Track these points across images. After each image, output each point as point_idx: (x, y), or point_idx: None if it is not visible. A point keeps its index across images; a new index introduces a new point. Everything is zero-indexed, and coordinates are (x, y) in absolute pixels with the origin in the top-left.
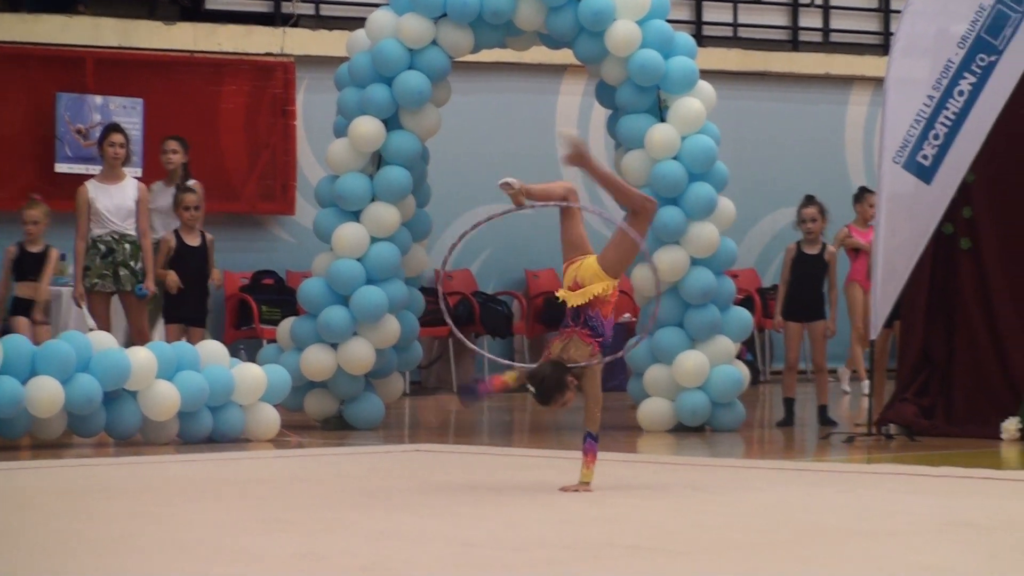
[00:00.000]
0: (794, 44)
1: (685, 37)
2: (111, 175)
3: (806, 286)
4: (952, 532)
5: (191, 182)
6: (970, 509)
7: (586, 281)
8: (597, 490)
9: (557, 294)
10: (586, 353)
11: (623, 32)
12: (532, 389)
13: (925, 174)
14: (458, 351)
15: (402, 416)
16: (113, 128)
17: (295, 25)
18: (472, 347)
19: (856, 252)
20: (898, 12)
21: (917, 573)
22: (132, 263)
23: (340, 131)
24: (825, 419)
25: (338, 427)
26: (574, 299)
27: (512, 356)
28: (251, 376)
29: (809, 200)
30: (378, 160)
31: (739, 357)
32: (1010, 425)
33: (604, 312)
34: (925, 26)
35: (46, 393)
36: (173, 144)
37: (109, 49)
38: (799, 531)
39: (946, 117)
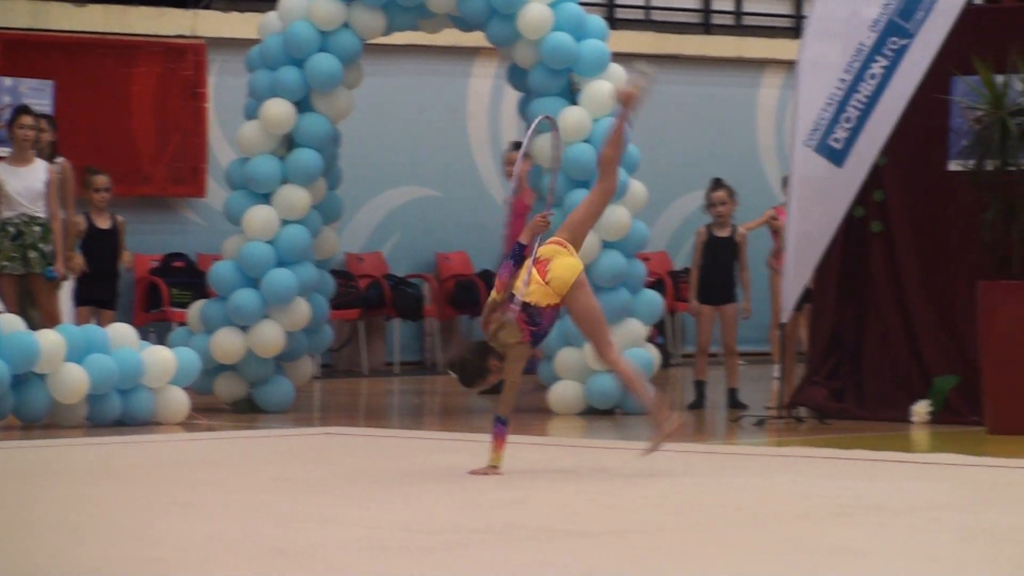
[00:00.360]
0: (706, 27)
1: (597, 20)
2: (21, 157)
3: (717, 269)
4: (862, 515)
5: (59, 159)
6: (880, 492)
7: (554, 276)
8: (508, 473)
9: (516, 293)
10: (516, 340)
11: (535, 15)
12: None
13: (837, 157)
14: (369, 333)
15: (312, 399)
16: (22, 110)
17: (206, 7)
18: None
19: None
20: None
21: (827, 555)
22: (42, 245)
23: (251, 113)
24: (735, 402)
25: (248, 410)
26: (542, 298)
27: (423, 339)
28: (161, 359)
29: (718, 183)
30: (289, 142)
31: (650, 340)
32: (920, 408)
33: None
34: (837, 9)
35: None
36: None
37: (19, 31)
38: (709, 514)
39: (858, 100)
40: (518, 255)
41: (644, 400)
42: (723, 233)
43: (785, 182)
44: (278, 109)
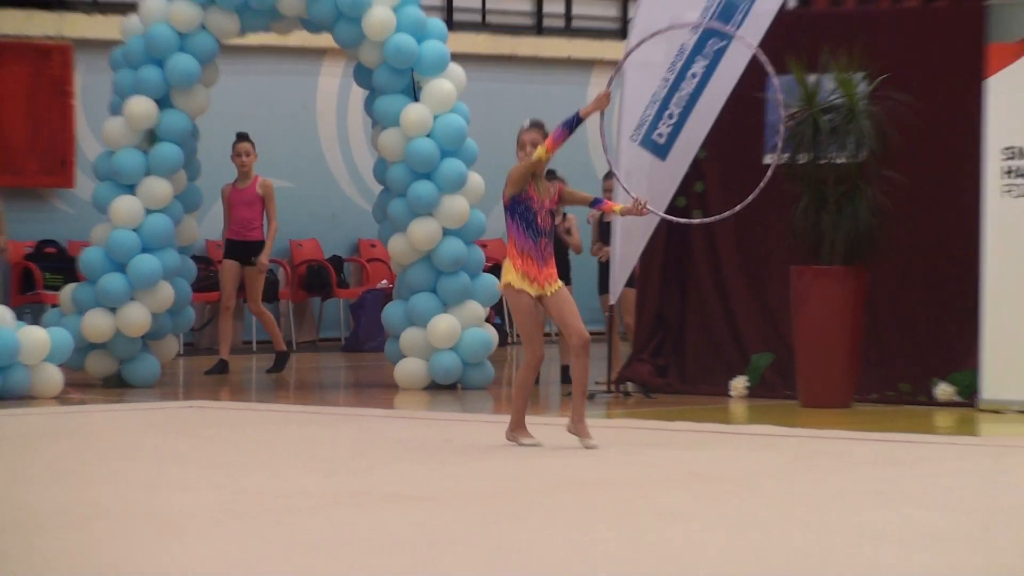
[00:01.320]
0: (539, 29)
1: (437, 22)
2: None
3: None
4: (685, 481)
5: None
6: (701, 460)
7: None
8: (358, 444)
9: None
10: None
11: (379, 18)
12: None
13: (660, 151)
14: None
15: (176, 375)
16: None
17: (72, 10)
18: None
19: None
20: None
21: (654, 519)
22: None
23: (116, 110)
24: (567, 377)
25: (117, 385)
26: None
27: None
28: (35, 338)
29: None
30: (151, 137)
31: (488, 321)
32: (738, 383)
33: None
34: (661, 12)
35: None
36: None
37: None
38: (545, 480)
39: (680, 98)
40: (573, 122)
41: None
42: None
43: (607, 176)
44: (141, 106)
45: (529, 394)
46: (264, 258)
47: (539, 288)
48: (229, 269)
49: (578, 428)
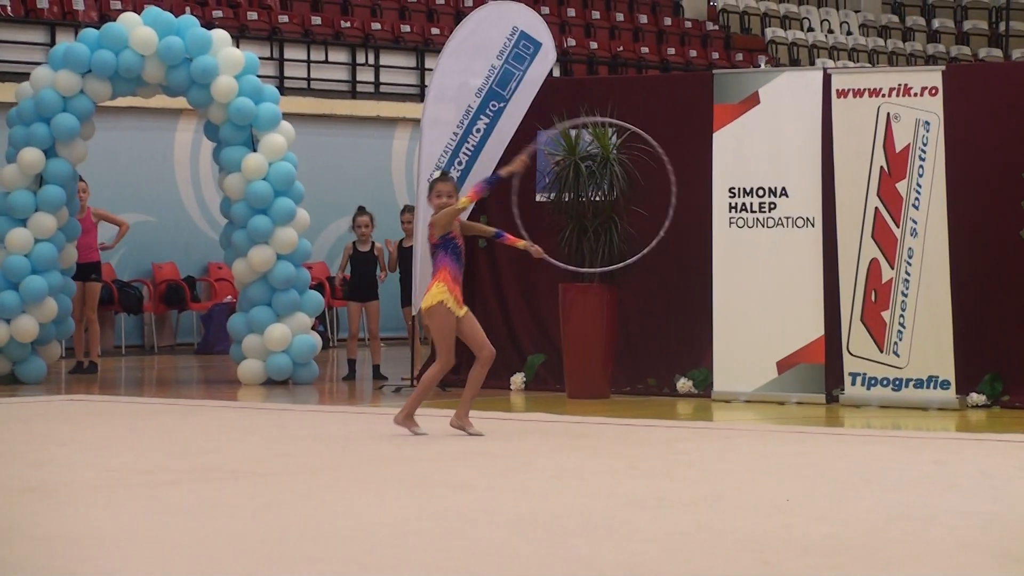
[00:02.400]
0: (353, 93)
1: (271, 88)
2: None
3: (361, 275)
4: (474, 458)
5: None
6: (487, 441)
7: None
8: (208, 430)
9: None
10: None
11: (224, 84)
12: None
13: None
14: (102, 324)
15: (60, 374)
16: None
17: None
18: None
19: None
20: (431, 69)
21: (448, 489)
22: None
23: (11, 158)
24: (378, 375)
25: (11, 382)
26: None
27: (143, 328)
28: None
29: (362, 210)
30: (40, 180)
31: (314, 328)
32: (516, 379)
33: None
34: (451, 79)
35: None
36: None
37: None
38: (359, 458)
39: (467, 149)
40: (493, 181)
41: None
42: (365, 248)
43: (404, 210)
44: (31, 155)
45: (430, 391)
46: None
47: (458, 309)
48: (78, 288)
49: (463, 422)
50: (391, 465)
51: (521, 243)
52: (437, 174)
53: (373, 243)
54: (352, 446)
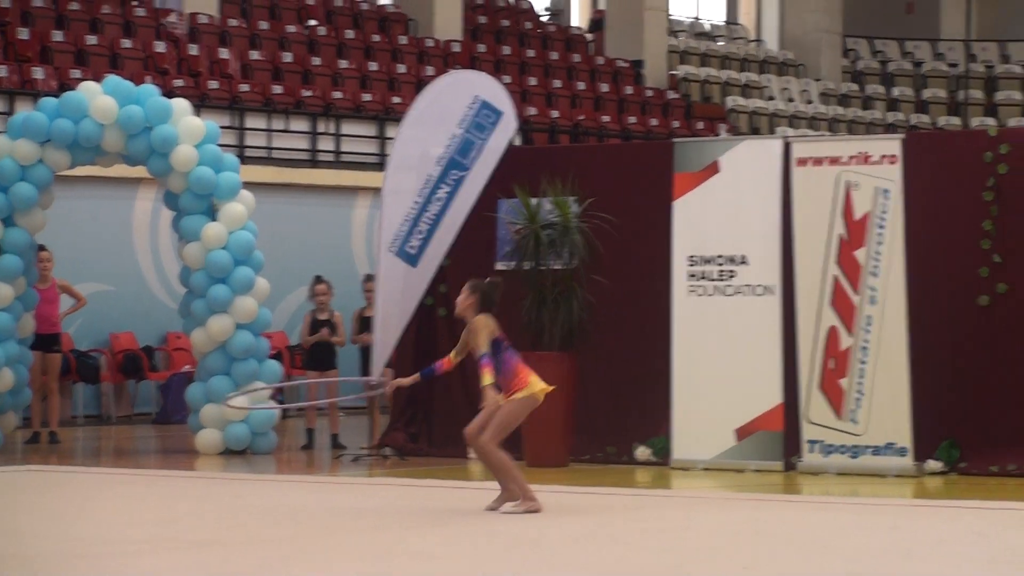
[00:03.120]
0: (313, 163)
1: (231, 157)
2: None
3: (320, 344)
4: (432, 526)
5: None
6: (445, 509)
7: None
8: (165, 500)
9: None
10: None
11: (184, 154)
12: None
13: (412, 260)
14: (60, 394)
15: (16, 443)
16: None
17: None
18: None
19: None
20: (391, 138)
21: (406, 558)
22: None
23: None
24: (337, 444)
25: None
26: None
27: (100, 398)
28: None
29: (319, 279)
30: None
31: (272, 398)
32: None
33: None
34: (412, 148)
35: None
36: None
37: None
38: (321, 527)
39: (428, 217)
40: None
41: (516, 483)
42: (324, 316)
43: (366, 279)
44: None
45: (512, 465)
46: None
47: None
48: (38, 358)
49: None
50: (351, 535)
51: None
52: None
53: (332, 311)
54: (311, 516)
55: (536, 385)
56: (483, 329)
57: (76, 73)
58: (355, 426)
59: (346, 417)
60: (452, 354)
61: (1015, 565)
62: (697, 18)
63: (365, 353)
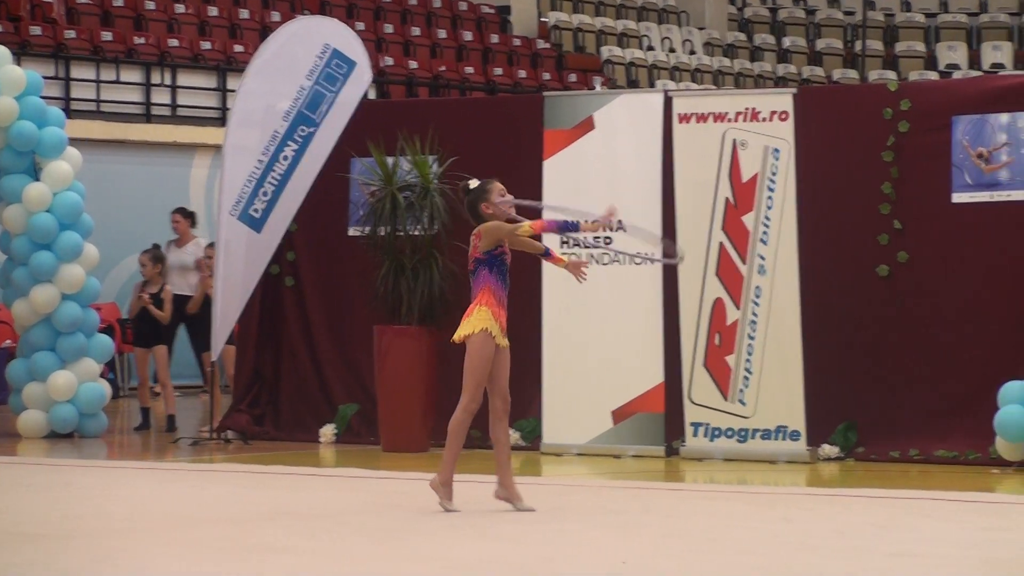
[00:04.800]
0: (148, 117)
1: (56, 110)
2: None
3: (148, 319)
4: (283, 519)
5: None
6: (297, 500)
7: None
8: None
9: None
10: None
11: (3, 107)
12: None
13: (256, 224)
14: None
15: None
16: None
17: None
18: None
19: None
20: (233, 91)
21: (256, 552)
22: None
23: None
24: (172, 426)
25: None
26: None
27: None
28: None
29: (147, 250)
30: None
31: (102, 376)
32: (327, 430)
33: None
34: (256, 102)
35: None
36: None
37: None
38: (155, 519)
39: (273, 177)
40: (567, 227)
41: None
42: (153, 290)
43: (208, 246)
44: None
45: (462, 442)
46: None
47: (502, 339)
48: None
49: (510, 493)
50: (197, 526)
51: (563, 260)
52: (475, 182)
53: (163, 285)
54: (149, 505)
55: (484, 321)
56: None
57: None
58: (195, 407)
59: (183, 397)
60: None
61: (917, 558)
62: None
63: (204, 327)
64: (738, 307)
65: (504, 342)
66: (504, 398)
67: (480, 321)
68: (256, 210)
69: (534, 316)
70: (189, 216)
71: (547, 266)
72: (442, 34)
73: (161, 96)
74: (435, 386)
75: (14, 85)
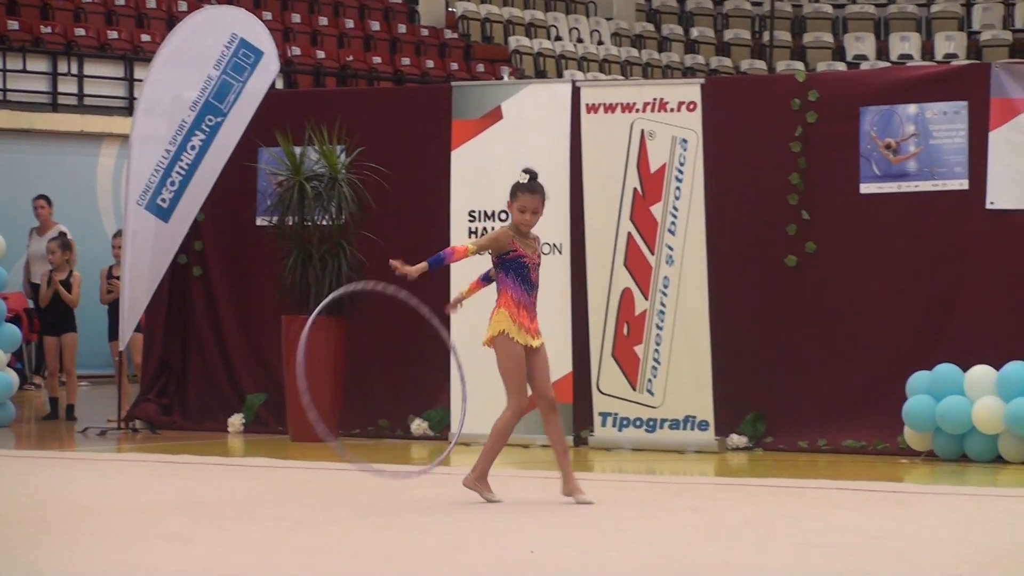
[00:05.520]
0: (54, 106)
1: None
2: None
3: (55, 306)
4: (190, 507)
5: None
6: (203, 489)
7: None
8: None
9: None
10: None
11: None
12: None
13: (164, 214)
14: None
15: None
16: None
17: None
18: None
19: None
20: (140, 80)
21: (162, 542)
22: None
23: None
24: (71, 416)
25: None
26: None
27: None
28: None
29: (54, 238)
30: None
31: (10, 365)
32: (235, 420)
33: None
34: (163, 92)
35: None
36: None
37: None
38: (66, 507)
39: (181, 167)
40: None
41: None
42: (61, 276)
43: (115, 235)
44: None
45: (504, 443)
46: None
47: (529, 338)
48: None
49: (571, 487)
50: (103, 516)
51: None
52: (526, 178)
53: (71, 271)
54: (56, 495)
55: (502, 323)
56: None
57: None
58: (103, 396)
59: (90, 387)
60: (470, 246)
61: (825, 547)
62: None
63: (115, 315)
64: (646, 297)
65: (534, 341)
66: (544, 396)
67: (498, 324)
68: (164, 200)
69: (442, 305)
70: (52, 204)
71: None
72: (350, 24)
73: (68, 85)
74: (343, 376)
75: None
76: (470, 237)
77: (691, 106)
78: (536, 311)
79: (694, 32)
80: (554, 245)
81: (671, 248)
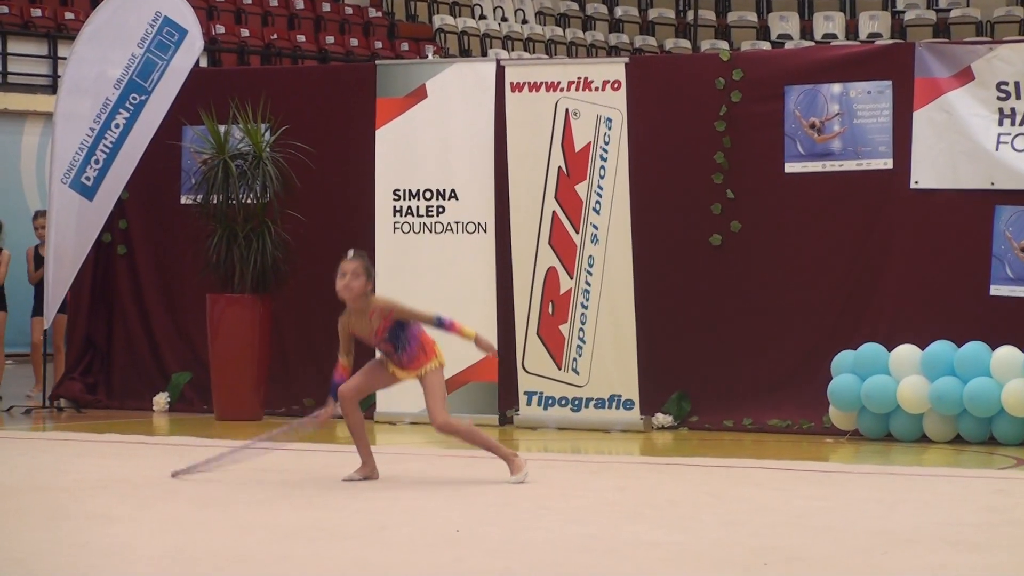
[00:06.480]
0: None
1: None
2: None
3: None
4: (114, 486)
5: None
6: (128, 468)
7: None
8: None
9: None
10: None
11: None
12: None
13: (88, 192)
14: None
15: None
16: None
17: None
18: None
19: None
20: (64, 58)
21: (85, 520)
22: None
23: None
24: None
25: None
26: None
27: None
28: None
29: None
30: None
31: None
32: (160, 399)
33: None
34: (87, 69)
35: None
36: None
37: None
38: None
39: (105, 145)
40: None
41: (495, 450)
42: None
43: (36, 215)
44: None
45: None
46: None
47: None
48: None
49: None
50: (27, 495)
51: (469, 332)
52: (350, 253)
53: (1, 249)
54: None
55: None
56: (395, 301)
57: None
58: (27, 374)
59: (14, 365)
60: (343, 359)
61: (751, 527)
62: None
63: (40, 291)
64: (571, 276)
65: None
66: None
67: (440, 356)
68: (88, 178)
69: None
70: None
71: (380, 235)
72: (274, 2)
73: None
74: (268, 355)
75: None
76: (393, 217)
77: (615, 85)
78: (402, 360)
79: (618, 11)
80: (479, 224)
81: (596, 227)
